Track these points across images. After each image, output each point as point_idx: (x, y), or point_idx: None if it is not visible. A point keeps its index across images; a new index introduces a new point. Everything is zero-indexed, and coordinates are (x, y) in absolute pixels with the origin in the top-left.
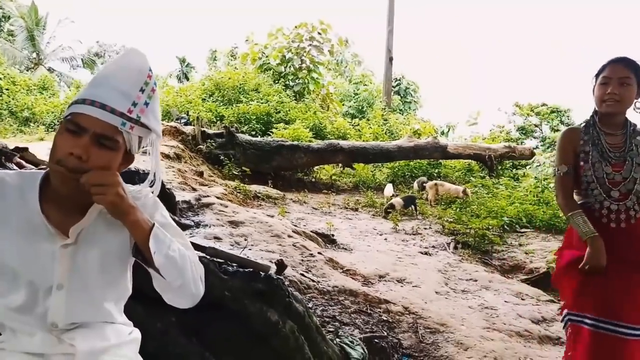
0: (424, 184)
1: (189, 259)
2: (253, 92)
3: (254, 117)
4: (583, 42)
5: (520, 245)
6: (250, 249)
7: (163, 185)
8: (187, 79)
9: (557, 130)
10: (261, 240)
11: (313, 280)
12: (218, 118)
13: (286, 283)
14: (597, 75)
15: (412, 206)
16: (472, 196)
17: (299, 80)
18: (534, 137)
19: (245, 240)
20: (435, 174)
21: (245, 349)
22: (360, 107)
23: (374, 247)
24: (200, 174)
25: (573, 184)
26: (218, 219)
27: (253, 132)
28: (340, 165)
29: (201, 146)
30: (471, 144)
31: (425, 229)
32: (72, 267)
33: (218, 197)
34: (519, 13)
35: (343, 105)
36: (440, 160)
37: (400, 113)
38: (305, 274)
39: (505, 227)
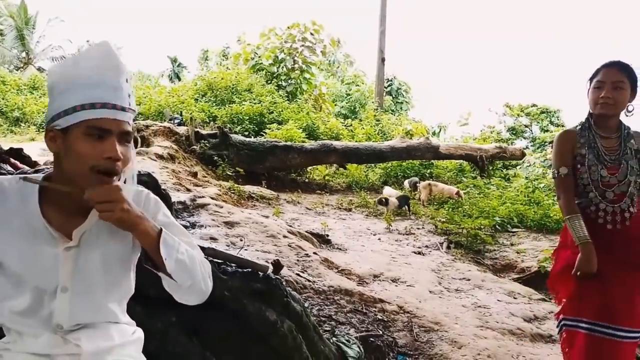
0: (417, 184)
1: (197, 259)
2: (246, 92)
3: (247, 117)
4: (573, 43)
5: (511, 244)
6: (246, 250)
7: (159, 186)
8: (179, 79)
9: (547, 131)
10: (257, 240)
11: (309, 280)
12: (211, 118)
13: (283, 283)
14: (591, 79)
15: (406, 206)
16: (464, 197)
17: (291, 80)
18: (524, 138)
19: (241, 240)
20: (427, 174)
21: (244, 347)
22: (352, 108)
23: (368, 247)
24: (194, 175)
25: (573, 184)
26: (213, 220)
27: (246, 133)
28: (335, 165)
29: (195, 147)
30: (463, 145)
31: (418, 228)
32: (75, 269)
33: (213, 198)
34: (510, 14)
35: (335, 105)
36: (432, 161)
37: (392, 113)
38: (301, 274)
39: (497, 227)
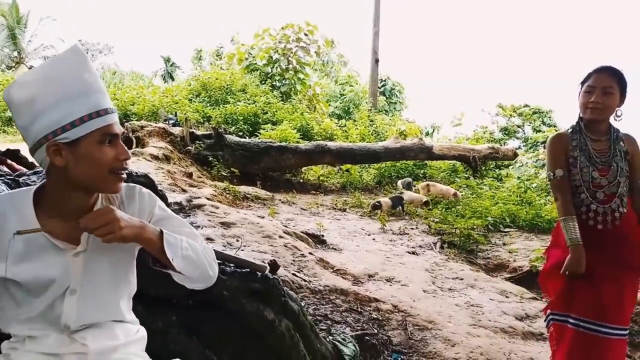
0: (410, 184)
1: (200, 250)
2: (240, 92)
3: (241, 117)
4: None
5: (504, 244)
6: (242, 250)
7: (155, 187)
8: (172, 79)
9: (539, 131)
10: (253, 241)
11: (305, 280)
12: (205, 119)
13: (281, 283)
14: (582, 83)
15: (400, 206)
16: (460, 197)
17: (285, 81)
18: (517, 138)
19: (237, 241)
20: (420, 175)
21: (243, 346)
22: (346, 108)
23: (363, 247)
24: (190, 175)
25: (569, 185)
26: (210, 220)
27: (240, 133)
28: (335, 166)
29: (190, 147)
30: (456, 145)
31: (412, 229)
32: (84, 272)
33: (208, 198)
34: (502, 15)
35: (329, 105)
36: (426, 161)
37: (385, 113)
38: (297, 273)
39: (490, 226)
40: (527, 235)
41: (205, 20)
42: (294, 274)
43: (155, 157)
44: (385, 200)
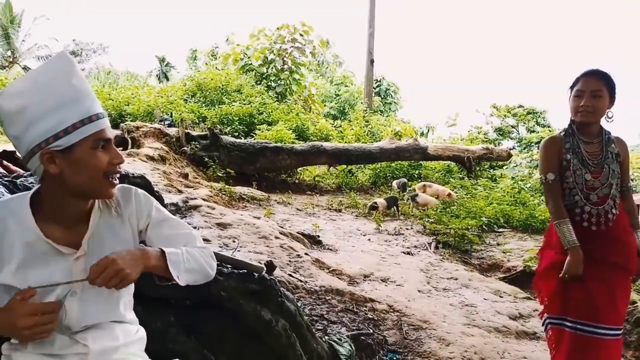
0: (405, 185)
1: (199, 255)
2: (235, 93)
3: (237, 118)
4: (558, 46)
5: (498, 244)
6: (239, 251)
7: (152, 188)
8: (167, 79)
9: (533, 131)
10: (249, 241)
11: (301, 281)
12: (200, 119)
13: (277, 283)
14: (571, 87)
15: (394, 207)
16: (454, 198)
17: (281, 81)
18: (511, 138)
19: (234, 241)
20: (415, 175)
21: (240, 346)
22: (341, 108)
23: (358, 248)
24: (185, 176)
25: (561, 188)
26: (206, 221)
27: (236, 134)
28: (332, 166)
29: (185, 148)
30: (450, 146)
31: (407, 229)
32: (85, 274)
33: (204, 199)
34: (497, 17)
35: (324, 106)
36: (421, 162)
37: (380, 114)
38: (293, 274)
39: (484, 227)
40: (521, 235)
41: (200, 20)
42: (290, 275)
43: (151, 158)
44: (380, 200)
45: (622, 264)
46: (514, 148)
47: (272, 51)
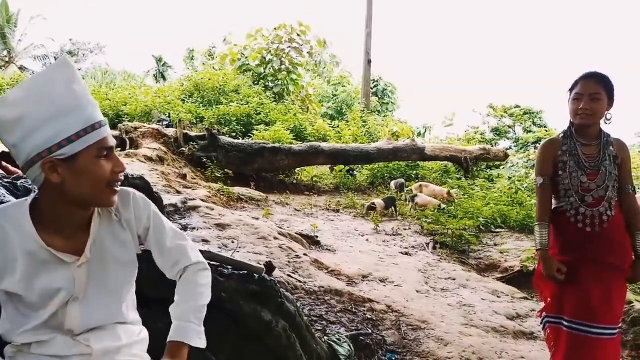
0: (403, 185)
1: (201, 293)
2: (233, 93)
3: (235, 118)
4: (555, 46)
5: (495, 245)
6: (238, 252)
7: (151, 189)
8: (164, 79)
9: (530, 132)
10: (248, 242)
11: (300, 281)
12: (198, 119)
13: (277, 284)
14: (570, 90)
15: (392, 207)
16: (452, 197)
17: (278, 81)
18: (508, 138)
19: (233, 242)
20: (413, 175)
21: (241, 346)
22: (339, 109)
23: (357, 248)
24: (184, 177)
25: (550, 192)
26: (205, 222)
27: (233, 134)
28: (342, 168)
29: (183, 148)
30: (448, 146)
31: (405, 229)
32: (88, 280)
33: (203, 200)
34: (493, 17)
35: (322, 106)
36: (418, 162)
37: (378, 114)
38: (292, 275)
39: (481, 227)
40: (518, 235)
41: (197, 20)
42: (289, 275)
43: (149, 159)
44: (378, 201)
45: (618, 264)
46: (510, 148)
47: (270, 51)
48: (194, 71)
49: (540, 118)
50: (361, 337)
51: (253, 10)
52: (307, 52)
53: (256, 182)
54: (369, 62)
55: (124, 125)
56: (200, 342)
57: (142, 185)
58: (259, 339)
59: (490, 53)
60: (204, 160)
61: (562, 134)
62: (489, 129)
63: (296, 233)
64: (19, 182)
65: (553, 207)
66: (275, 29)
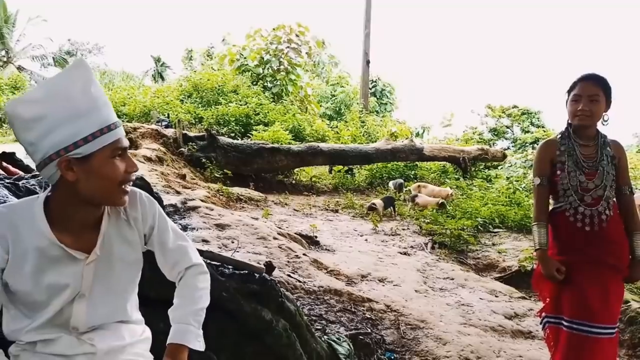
0: (402, 185)
1: (200, 296)
2: (232, 93)
3: (233, 118)
4: (553, 46)
5: (493, 244)
6: (238, 252)
7: (151, 189)
8: (162, 79)
9: (528, 132)
10: (248, 242)
11: (299, 281)
12: (197, 120)
13: (277, 284)
14: (569, 91)
15: (391, 207)
16: (452, 197)
17: (277, 82)
18: (506, 138)
19: (233, 242)
20: (411, 176)
21: (241, 346)
22: (337, 109)
23: (356, 248)
24: (183, 177)
25: (548, 193)
26: (205, 222)
27: (232, 134)
28: (341, 168)
29: (183, 149)
30: (446, 147)
31: (403, 229)
32: (95, 278)
33: (202, 200)
34: (491, 17)
35: (320, 106)
36: (417, 162)
37: (376, 114)
38: (292, 274)
39: (479, 227)
40: (516, 235)
41: (195, 20)
42: (288, 275)
43: (149, 159)
44: (378, 201)
45: (615, 264)
46: (508, 148)
47: (269, 52)
48: (193, 71)
49: (538, 118)
50: (360, 337)
51: (252, 10)
52: (306, 53)
53: (255, 183)
54: (368, 62)
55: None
56: (199, 344)
57: (142, 185)
58: (260, 338)
59: (489, 53)
60: (203, 160)
61: (560, 135)
62: (487, 129)
63: (295, 233)
64: (20, 183)
65: (551, 207)
66: (274, 29)
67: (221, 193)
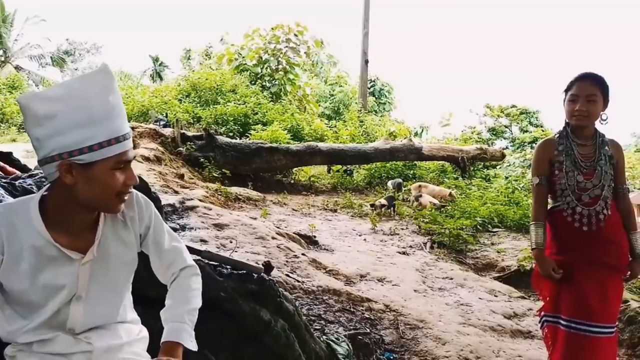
0: (401, 185)
1: (194, 296)
2: (230, 93)
3: (232, 118)
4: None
5: (492, 244)
6: (236, 252)
7: (149, 189)
8: (161, 78)
9: (526, 131)
10: (246, 242)
11: (298, 281)
12: (195, 119)
13: (276, 284)
14: (566, 91)
15: (391, 207)
16: (454, 197)
17: (275, 81)
18: (504, 138)
19: (231, 242)
20: (410, 175)
21: (240, 346)
22: (336, 108)
23: (354, 248)
24: (181, 177)
25: (546, 192)
26: (203, 222)
27: (231, 134)
28: (340, 168)
29: (181, 148)
30: (445, 146)
31: (402, 229)
32: (90, 279)
33: (200, 200)
34: (490, 17)
35: (319, 106)
36: (415, 162)
37: (374, 114)
38: (291, 274)
39: (478, 227)
40: (515, 235)
41: (193, 19)
42: (287, 275)
43: (147, 159)
44: (382, 201)
45: (613, 263)
46: (507, 148)
47: (267, 51)
48: (191, 71)
49: (536, 118)
50: (359, 336)
51: (250, 9)
52: (304, 52)
53: (253, 182)
54: (366, 62)
55: None
56: (192, 345)
57: (140, 185)
58: (258, 338)
59: (488, 53)
60: (202, 160)
61: (558, 134)
62: (485, 129)
63: (294, 233)
64: (17, 182)
65: (550, 206)
66: (272, 28)
67: (219, 193)
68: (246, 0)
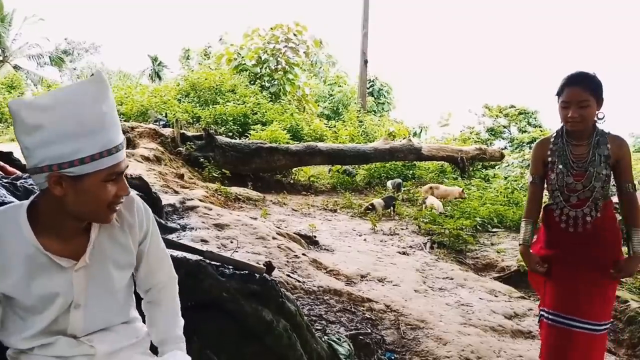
0: (400, 185)
1: (178, 303)
2: (229, 93)
3: (231, 118)
4: (550, 45)
5: (492, 244)
6: (237, 252)
7: (150, 189)
8: (160, 78)
9: (525, 132)
10: (247, 242)
11: (299, 281)
12: (194, 119)
13: (278, 284)
14: (558, 95)
15: (391, 207)
16: (465, 195)
17: (275, 81)
18: (503, 138)
19: (231, 242)
20: (409, 175)
21: (242, 346)
22: (335, 108)
23: (355, 248)
24: (181, 177)
25: (540, 191)
26: (203, 222)
27: (230, 134)
28: (340, 168)
29: (181, 148)
30: (444, 146)
31: (402, 229)
32: (87, 285)
33: (200, 200)
34: (489, 17)
35: (318, 106)
36: (415, 162)
37: (373, 114)
38: (291, 274)
39: (478, 227)
40: (515, 235)
41: (192, 19)
42: (288, 275)
43: (147, 159)
44: (378, 201)
45: (600, 264)
46: (505, 148)
47: (266, 51)
48: (190, 71)
49: (535, 118)
50: (360, 337)
51: (249, 9)
52: (304, 52)
53: (253, 182)
54: (365, 62)
55: (121, 125)
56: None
57: (140, 185)
58: (260, 338)
59: (487, 53)
60: (201, 160)
61: (555, 134)
62: (484, 129)
63: (294, 233)
64: (18, 182)
65: (545, 203)
66: (271, 28)
67: (219, 193)
68: (246, 0)
